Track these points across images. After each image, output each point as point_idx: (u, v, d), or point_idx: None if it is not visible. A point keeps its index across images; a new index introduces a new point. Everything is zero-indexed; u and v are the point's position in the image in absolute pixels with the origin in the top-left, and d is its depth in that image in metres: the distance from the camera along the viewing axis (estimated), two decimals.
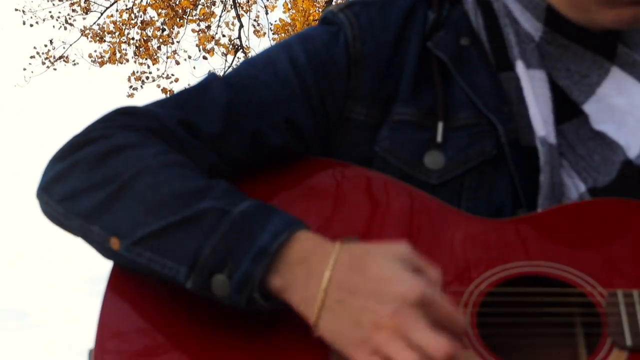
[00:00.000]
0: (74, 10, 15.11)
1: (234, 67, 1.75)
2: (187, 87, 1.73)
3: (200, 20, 14.84)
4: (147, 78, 15.05)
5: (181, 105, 1.66)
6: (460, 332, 1.37)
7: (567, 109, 1.70)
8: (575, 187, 1.65)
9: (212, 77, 1.71)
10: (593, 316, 1.51)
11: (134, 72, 15.08)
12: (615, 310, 1.49)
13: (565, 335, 1.53)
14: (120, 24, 14.93)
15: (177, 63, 14.98)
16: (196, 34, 14.89)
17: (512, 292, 1.52)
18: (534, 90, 1.68)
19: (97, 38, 14.95)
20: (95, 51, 15.25)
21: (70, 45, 15.23)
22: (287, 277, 1.41)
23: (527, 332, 1.52)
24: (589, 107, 1.69)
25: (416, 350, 1.32)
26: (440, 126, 1.67)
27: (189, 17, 14.85)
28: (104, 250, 1.52)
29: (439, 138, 1.66)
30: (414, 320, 1.33)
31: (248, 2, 14.94)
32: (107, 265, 1.56)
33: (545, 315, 1.51)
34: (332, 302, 1.37)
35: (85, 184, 1.52)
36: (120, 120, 1.61)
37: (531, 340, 1.52)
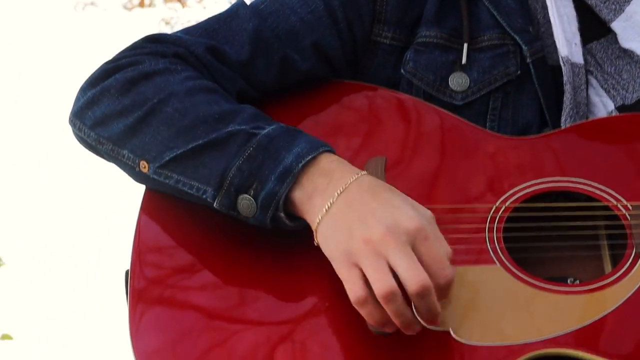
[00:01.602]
0: None
1: None
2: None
3: None
4: (176, 23, 15.05)
5: (209, 33, 1.68)
6: (444, 281, 1.38)
7: (595, 28, 1.71)
8: (604, 106, 1.67)
9: (239, 4, 1.73)
10: (618, 229, 1.52)
11: (163, 18, 15.06)
12: (639, 222, 1.51)
13: (591, 248, 1.55)
14: None
15: (204, 8, 14.96)
16: None
17: (538, 207, 1.54)
18: (559, 10, 1.69)
19: None
20: None
21: None
22: (308, 187, 1.45)
23: (553, 246, 1.54)
24: (617, 25, 1.69)
25: (392, 275, 1.36)
26: (465, 47, 1.68)
27: None
28: (135, 174, 1.56)
29: (464, 59, 1.68)
30: (400, 245, 1.37)
31: None
32: None
33: (571, 229, 1.54)
34: (336, 210, 1.42)
35: (116, 109, 1.56)
36: (149, 48, 1.64)
37: (557, 254, 1.55)
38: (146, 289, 1.50)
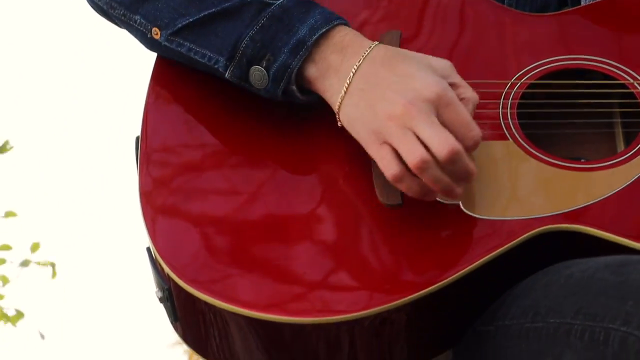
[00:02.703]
0: None
1: None
2: None
3: None
4: None
5: None
6: (473, 142, 1.39)
7: None
8: None
9: None
10: (633, 107, 1.52)
11: None
12: None
13: (604, 126, 1.55)
14: None
15: None
16: None
17: (553, 84, 1.53)
18: None
19: None
20: None
21: None
22: (321, 65, 1.45)
23: (566, 124, 1.54)
24: None
25: (421, 145, 1.36)
26: None
27: None
28: (146, 40, 1.55)
29: None
30: (424, 115, 1.37)
31: None
32: None
33: (585, 107, 1.53)
34: (355, 89, 1.41)
35: None
36: None
37: (570, 132, 1.54)
38: (155, 158, 1.50)
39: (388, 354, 1.42)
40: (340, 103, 1.42)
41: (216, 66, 1.48)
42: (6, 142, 5.88)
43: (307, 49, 1.44)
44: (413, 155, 1.36)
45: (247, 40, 1.46)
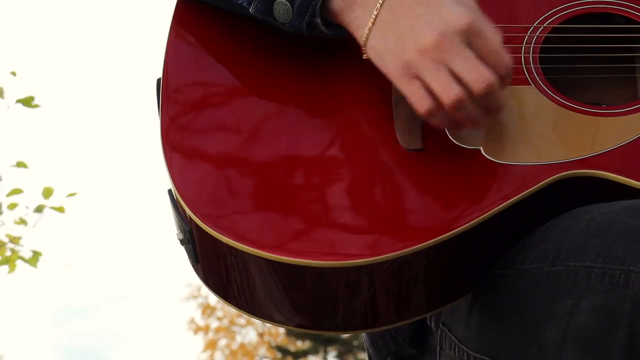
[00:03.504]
0: None
1: None
2: None
3: None
4: None
5: None
6: (505, 70, 1.38)
7: None
8: None
9: None
10: None
11: None
12: None
13: (626, 71, 1.54)
14: None
15: None
16: None
17: (576, 29, 1.52)
18: None
19: None
20: None
21: None
22: None
23: (589, 69, 1.53)
24: None
25: (456, 80, 1.35)
26: None
27: None
28: None
29: None
30: (456, 48, 1.35)
31: None
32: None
33: (608, 51, 1.52)
34: (382, 21, 1.39)
35: None
36: None
37: (592, 77, 1.53)
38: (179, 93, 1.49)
39: (406, 298, 1.42)
40: (368, 35, 1.40)
41: (240, 1, 1.48)
42: (30, 98, 5.92)
43: None
44: (448, 93, 1.35)
45: None
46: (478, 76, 1.35)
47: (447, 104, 1.36)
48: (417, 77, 1.37)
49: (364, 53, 1.42)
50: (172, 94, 1.49)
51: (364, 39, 1.41)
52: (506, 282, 1.41)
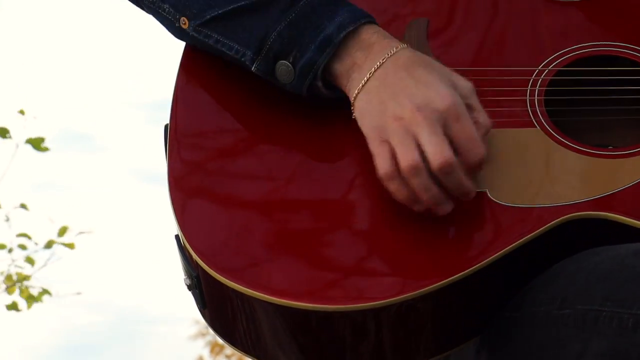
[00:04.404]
0: None
1: None
2: None
3: None
4: None
5: None
6: (474, 159, 1.39)
7: None
8: None
9: None
10: None
11: None
12: None
13: (633, 112, 1.54)
14: None
15: None
16: None
17: (581, 71, 1.53)
18: None
19: None
20: None
21: None
22: (346, 62, 1.46)
23: (594, 111, 1.53)
24: None
25: (417, 151, 1.38)
26: None
27: None
28: (174, 29, 1.56)
29: None
30: (429, 123, 1.39)
31: None
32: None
33: (614, 93, 1.52)
34: (371, 86, 1.44)
35: None
36: None
37: (599, 119, 1.54)
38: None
39: (414, 341, 1.42)
40: (356, 95, 1.45)
41: (243, 59, 1.49)
42: (40, 139, 5.95)
43: (333, 46, 1.45)
44: (406, 156, 1.38)
45: (274, 36, 1.47)
46: (437, 151, 1.38)
47: (403, 166, 1.39)
48: (387, 141, 1.41)
49: (353, 112, 1.45)
50: (181, 140, 1.50)
51: (353, 98, 1.45)
52: (514, 324, 1.41)
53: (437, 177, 1.39)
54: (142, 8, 1.60)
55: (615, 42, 1.55)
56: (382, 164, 1.41)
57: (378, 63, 1.44)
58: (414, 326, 1.40)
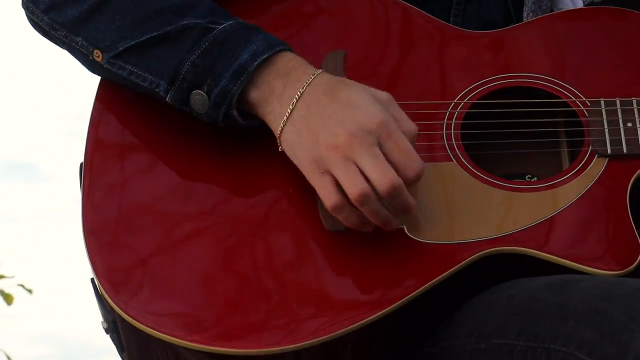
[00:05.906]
0: None
1: None
2: None
3: None
4: None
5: None
6: (413, 173, 1.39)
7: None
8: (573, 3, 1.65)
9: None
10: (576, 125, 1.52)
11: None
12: (597, 118, 1.51)
13: (550, 145, 1.55)
14: None
15: None
16: None
17: (497, 104, 1.53)
18: None
19: None
20: None
21: None
22: (264, 90, 1.44)
23: (512, 143, 1.54)
24: None
25: (362, 178, 1.37)
26: None
27: None
28: (88, 62, 1.54)
29: None
30: (366, 147, 1.37)
31: None
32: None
33: (530, 125, 1.53)
34: (297, 116, 1.42)
35: None
36: None
37: (516, 151, 1.54)
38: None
39: None
40: (282, 128, 1.42)
41: (157, 90, 1.48)
42: None
43: (248, 75, 1.44)
44: (354, 187, 1.37)
45: (188, 65, 1.45)
46: (383, 176, 1.36)
47: (353, 197, 1.37)
48: (328, 172, 1.39)
49: (280, 145, 1.43)
50: (95, 189, 1.48)
51: (279, 132, 1.43)
52: (433, 359, 1.40)
53: (385, 199, 1.38)
54: (56, 43, 1.58)
55: (528, 73, 1.55)
56: (329, 197, 1.39)
57: (299, 92, 1.42)
58: None
